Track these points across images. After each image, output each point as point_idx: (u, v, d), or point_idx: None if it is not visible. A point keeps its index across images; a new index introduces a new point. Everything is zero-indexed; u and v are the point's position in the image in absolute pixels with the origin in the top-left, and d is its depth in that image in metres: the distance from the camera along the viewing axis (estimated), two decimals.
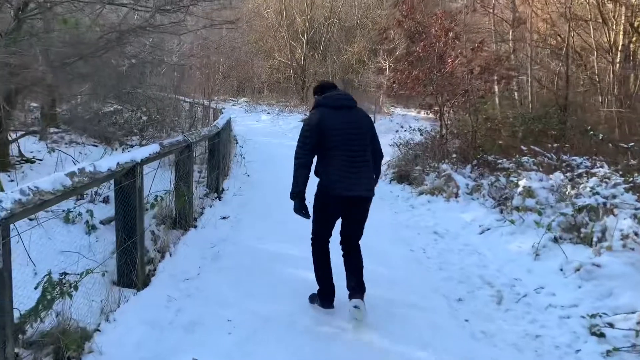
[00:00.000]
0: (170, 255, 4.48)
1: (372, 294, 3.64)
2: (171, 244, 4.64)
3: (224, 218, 6.00)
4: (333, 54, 27.30)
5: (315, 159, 3.54)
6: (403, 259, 4.89)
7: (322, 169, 3.53)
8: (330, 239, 3.74)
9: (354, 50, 27.98)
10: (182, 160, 5.26)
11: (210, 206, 6.34)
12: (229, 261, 4.61)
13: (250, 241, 5.18)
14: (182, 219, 5.23)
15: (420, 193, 7.18)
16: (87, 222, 4.33)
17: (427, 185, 7.27)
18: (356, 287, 3.49)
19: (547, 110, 8.75)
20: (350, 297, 3.44)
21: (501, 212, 5.69)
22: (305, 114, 19.00)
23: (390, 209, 6.86)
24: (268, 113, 20.39)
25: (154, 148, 4.22)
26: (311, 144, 3.48)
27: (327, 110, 3.54)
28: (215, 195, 6.79)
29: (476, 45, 7.93)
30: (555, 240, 4.55)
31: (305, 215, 3.62)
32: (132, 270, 3.56)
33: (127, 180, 3.54)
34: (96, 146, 7.97)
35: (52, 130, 7.48)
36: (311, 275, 3.79)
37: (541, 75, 9.65)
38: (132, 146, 8.26)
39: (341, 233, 3.75)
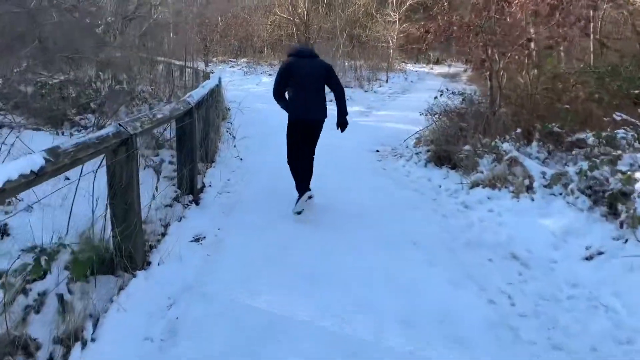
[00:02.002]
0: (86, 344, 2.49)
1: None
2: (91, 319, 2.64)
3: (196, 240, 3.98)
4: (338, 7, 24.58)
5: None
6: (482, 326, 2.84)
7: (290, 101, 4.75)
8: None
9: (360, 3, 25.24)
10: (119, 165, 3.20)
11: (180, 219, 4.30)
12: (191, 345, 2.62)
13: (233, 290, 3.17)
14: (125, 256, 3.22)
15: (474, 184, 5.08)
16: None
17: (482, 172, 5.17)
18: (307, 187, 4.75)
19: (624, 63, 6.50)
20: (300, 197, 4.68)
21: (621, 225, 3.61)
22: None
23: (435, 210, 4.79)
24: (269, 75, 18.04)
25: (28, 163, 2.17)
26: (282, 82, 4.71)
27: (295, 59, 4.71)
28: (190, 198, 4.75)
29: None
30: None
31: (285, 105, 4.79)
32: None
33: None
34: (38, 130, 5.90)
35: None
36: None
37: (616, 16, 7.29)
38: (85, 128, 6.17)
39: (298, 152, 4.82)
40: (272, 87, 4.78)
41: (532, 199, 4.56)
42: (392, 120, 9.97)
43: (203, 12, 18.58)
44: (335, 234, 4.12)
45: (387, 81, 16.77)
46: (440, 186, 5.44)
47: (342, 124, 4.86)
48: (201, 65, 21.32)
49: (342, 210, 4.75)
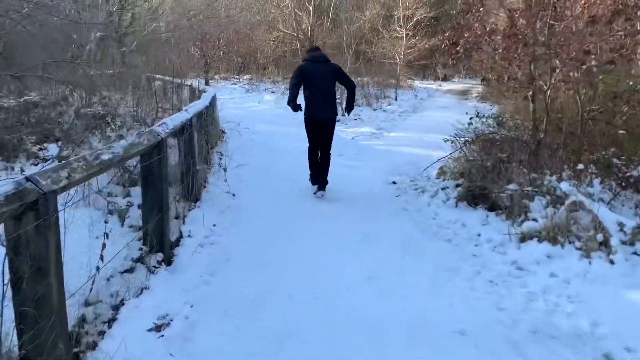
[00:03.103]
0: None
1: None
2: None
3: (157, 328, 2.83)
4: (343, 23, 23.65)
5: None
6: None
7: (305, 101, 5.42)
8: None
9: (366, 18, 24.31)
10: (26, 240, 2.09)
11: (141, 291, 3.16)
12: None
13: None
14: None
15: (526, 236, 3.92)
16: None
17: (535, 220, 4.00)
18: (322, 184, 5.49)
19: None
20: (318, 190, 5.51)
21: None
22: None
23: (479, 273, 3.61)
24: (272, 92, 17.04)
25: None
26: (297, 82, 5.37)
27: (309, 63, 5.44)
28: (160, 257, 3.62)
29: None
30: None
31: (296, 109, 5.40)
32: None
33: None
34: None
35: None
36: None
37: None
38: (44, 160, 5.07)
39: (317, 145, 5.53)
40: (289, 86, 5.54)
41: (612, 261, 3.39)
42: (407, 144, 8.84)
43: (201, 27, 17.65)
44: (353, 326, 2.93)
45: (396, 99, 15.70)
46: (479, 235, 4.27)
47: (348, 109, 5.63)
48: (200, 83, 20.42)
49: (357, 278, 3.59)
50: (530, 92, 4.89)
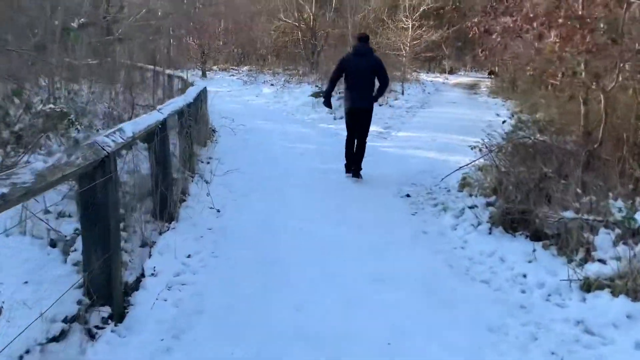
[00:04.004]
0: None
1: None
2: None
3: None
4: (347, 12, 22.52)
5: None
6: None
7: (344, 92, 5.90)
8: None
9: (370, 7, 23.16)
10: None
11: None
12: None
13: None
14: None
15: (592, 285, 2.97)
16: None
17: (602, 262, 3.05)
18: (356, 171, 5.84)
19: None
20: (353, 176, 5.83)
21: None
22: (316, 85, 14.61)
23: (534, 339, 2.63)
24: (271, 84, 16.04)
25: None
26: (335, 77, 5.84)
27: (350, 55, 5.83)
28: (107, 311, 2.68)
29: None
30: None
31: (329, 106, 6.06)
32: None
33: None
34: None
35: None
36: None
37: None
38: None
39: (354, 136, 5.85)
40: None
41: None
42: (419, 146, 7.87)
43: (197, 16, 16.60)
44: None
45: (402, 93, 14.68)
46: (525, 276, 3.31)
47: (374, 99, 5.81)
48: (197, 74, 19.38)
49: (373, 346, 2.65)
50: (582, 92, 3.92)
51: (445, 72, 25.34)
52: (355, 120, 5.77)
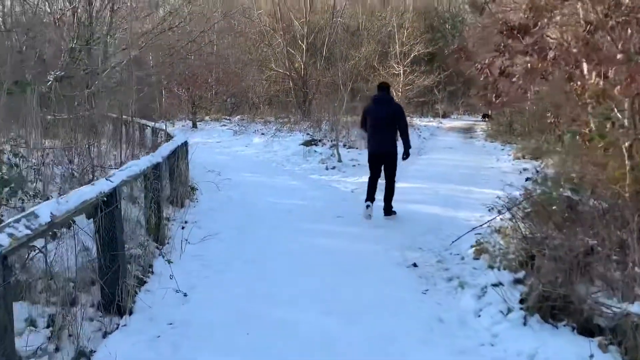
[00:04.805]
0: None
1: None
2: None
3: None
4: (338, 61, 22.31)
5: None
6: None
7: (367, 137, 6.23)
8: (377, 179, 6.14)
9: (361, 55, 22.98)
10: None
11: None
12: None
13: None
14: None
15: None
16: None
17: None
18: (385, 208, 6.12)
19: None
20: (385, 215, 6.10)
21: None
22: (308, 133, 13.97)
23: None
24: (262, 134, 15.37)
25: None
26: (363, 120, 6.22)
27: (371, 104, 6.21)
28: None
29: None
30: None
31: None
32: None
33: None
34: None
35: None
36: None
37: None
38: None
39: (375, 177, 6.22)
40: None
41: None
42: (420, 200, 7.06)
43: (186, 65, 16.17)
44: None
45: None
46: None
47: (405, 155, 6.12)
48: (187, 125, 18.80)
49: None
50: (628, 142, 3.16)
51: (439, 116, 24.93)
52: (378, 163, 6.10)
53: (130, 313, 3.41)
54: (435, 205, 6.64)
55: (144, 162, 4.29)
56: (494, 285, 3.50)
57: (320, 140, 12.66)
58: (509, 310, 3.16)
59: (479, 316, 3.32)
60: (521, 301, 3.21)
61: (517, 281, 3.44)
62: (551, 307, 3.00)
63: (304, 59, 21.37)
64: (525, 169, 9.53)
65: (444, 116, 25.79)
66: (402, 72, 21.46)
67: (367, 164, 6.22)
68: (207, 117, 22.77)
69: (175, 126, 16.30)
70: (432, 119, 23.32)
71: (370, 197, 6.06)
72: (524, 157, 10.64)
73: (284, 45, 21.26)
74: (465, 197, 7.12)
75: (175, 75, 17.68)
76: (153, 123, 10.93)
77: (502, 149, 13.12)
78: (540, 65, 3.18)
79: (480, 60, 3.80)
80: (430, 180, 8.40)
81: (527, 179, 4.48)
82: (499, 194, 4.46)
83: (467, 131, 19.74)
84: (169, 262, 4.04)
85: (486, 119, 23.47)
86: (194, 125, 19.26)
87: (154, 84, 21.12)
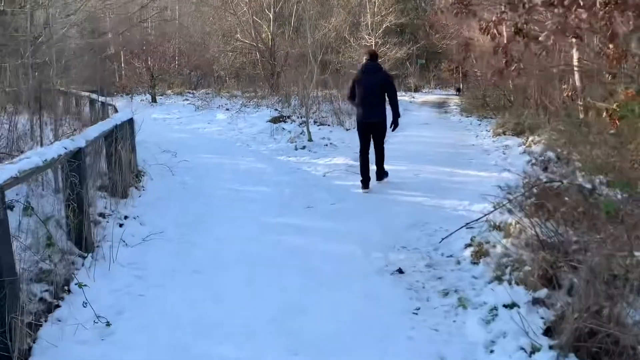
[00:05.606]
0: None
1: None
2: None
3: None
4: (307, 31, 21.07)
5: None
6: None
7: (356, 107, 6.13)
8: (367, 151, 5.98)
9: (331, 26, 21.78)
10: None
11: None
12: None
13: None
14: None
15: None
16: None
17: None
18: (377, 173, 6.13)
19: None
20: (377, 180, 6.09)
21: None
22: (276, 109, 12.95)
23: None
24: (227, 109, 14.25)
25: None
26: (352, 90, 6.05)
27: (360, 72, 6.11)
28: None
29: None
30: None
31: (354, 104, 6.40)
32: None
33: None
34: None
35: None
36: None
37: None
38: None
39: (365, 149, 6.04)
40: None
41: None
42: (400, 185, 6.24)
43: (142, 35, 14.77)
44: None
45: None
46: None
47: (394, 124, 6.04)
48: (146, 100, 17.39)
49: None
50: None
51: (411, 90, 24.14)
52: (368, 133, 5.99)
53: (26, 358, 2.49)
54: (417, 191, 5.83)
55: (56, 149, 3.28)
56: (506, 306, 2.71)
57: (289, 117, 11.68)
58: (534, 349, 2.37)
59: (492, 352, 2.53)
60: (547, 332, 2.43)
61: (537, 301, 2.66)
62: (593, 348, 2.22)
63: (272, 28, 20.07)
64: (507, 146, 8.87)
65: (416, 90, 25.03)
66: (373, 44, 20.43)
67: (357, 134, 6.14)
68: (169, 91, 21.35)
69: (133, 101, 15.00)
70: (404, 93, 22.49)
71: (365, 179, 5.89)
72: (504, 134, 9.95)
73: (250, 14, 19.87)
74: (449, 181, 6.35)
75: (132, 45, 16.23)
76: (105, 97, 9.72)
77: (479, 124, 12.46)
78: (574, 20, 2.34)
79: (478, 18, 2.94)
80: (408, 160, 7.58)
81: (531, 164, 3.68)
82: (496, 184, 3.65)
83: (441, 105, 19.03)
84: (80, 285, 3.07)
85: (458, 93, 22.83)
86: (153, 100, 17.90)
87: (112, 56, 19.44)
